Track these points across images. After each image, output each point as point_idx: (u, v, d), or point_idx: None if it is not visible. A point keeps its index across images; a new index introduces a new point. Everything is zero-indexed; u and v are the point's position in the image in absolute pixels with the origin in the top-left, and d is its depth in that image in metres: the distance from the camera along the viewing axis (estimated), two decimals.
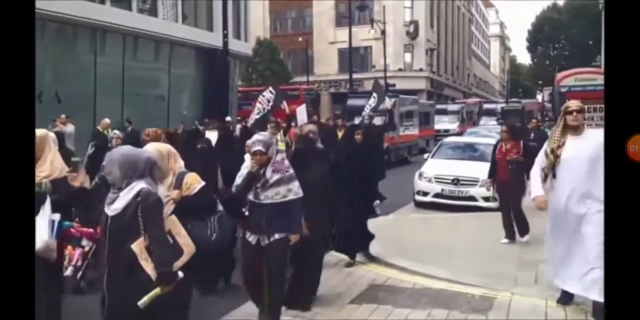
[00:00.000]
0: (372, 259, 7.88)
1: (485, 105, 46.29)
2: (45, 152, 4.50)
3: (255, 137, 5.18)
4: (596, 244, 5.21)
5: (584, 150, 5.41)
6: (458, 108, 40.26)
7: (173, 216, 4.10)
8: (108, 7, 22.25)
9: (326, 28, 49.77)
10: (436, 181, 12.92)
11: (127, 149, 3.95)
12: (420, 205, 13.10)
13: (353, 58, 38.31)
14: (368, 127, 11.12)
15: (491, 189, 9.68)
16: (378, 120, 13.37)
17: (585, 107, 5.99)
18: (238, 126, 15.67)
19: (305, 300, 6.00)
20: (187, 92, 28.20)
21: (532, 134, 13.72)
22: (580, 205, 5.42)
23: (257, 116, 10.52)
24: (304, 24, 52.39)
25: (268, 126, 11.28)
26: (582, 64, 44.31)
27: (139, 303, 3.57)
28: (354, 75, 36.58)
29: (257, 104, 10.60)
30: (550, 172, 5.61)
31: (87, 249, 6.31)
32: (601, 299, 5.27)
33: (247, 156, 5.41)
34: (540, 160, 5.76)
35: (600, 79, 11.61)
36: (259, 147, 4.98)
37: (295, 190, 5.10)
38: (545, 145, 5.74)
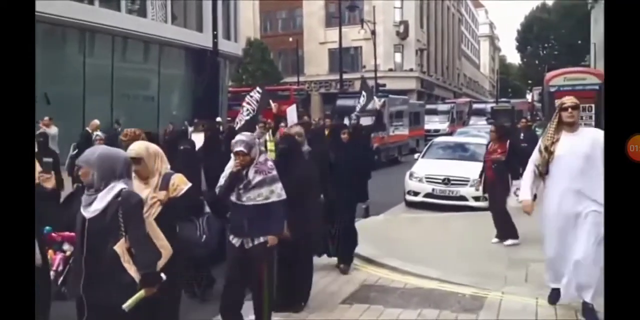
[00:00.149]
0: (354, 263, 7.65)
1: (475, 105, 46.39)
2: None
3: (238, 137, 5.08)
4: (590, 244, 5.21)
5: (578, 147, 5.34)
6: (448, 108, 40.33)
7: (150, 218, 3.98)
8: (97, 8, 22.20)
9: (316, 28, 49.79)
10: (427, 181, 12.95)
11: (104, 149, 3.82)
12: (411, 205, 13.13)
13: (343, 58, 38.31)
14: (355, 127, 11.09)
15: (480, 188, 9.70)
16: (367, 120, 13.35)
17: None
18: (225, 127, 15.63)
19: (296, 304, 5.95)
20: (176, 93, 28.16)
21: (522, 134, 13.74)
22: (574, 204, 5.35)
23: (247, 117, 10.46)
24: (294, 24, 52.42)
25: (257, 126, 11.24)
26: (572, 63, 44.50)
27: (123, 306, 3.46)
28: (345, 76, 36.62)
29: (245, 105, 10.54)
30: (545, 169, 5.53)
31: (68, 253, 6.18)
32: (593, 301, 5.31)
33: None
34: (534, 159, 5.67)
35: (589, 79, 11.67)
36: (240, 148, 4.91)
37: (278, 191, 5.01)
38: (540, 142, 5.67)
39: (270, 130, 10.83)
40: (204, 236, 4.44)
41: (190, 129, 15.92)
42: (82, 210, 3.64)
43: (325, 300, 6.30)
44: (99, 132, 11.99)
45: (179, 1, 27.68)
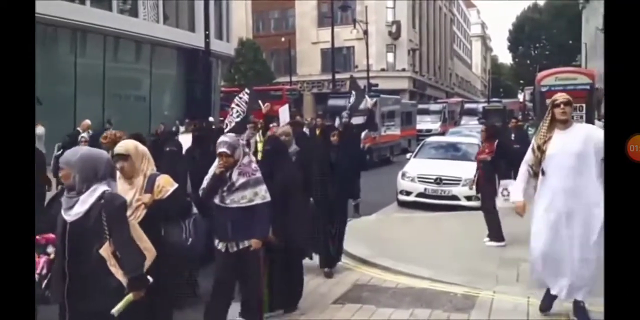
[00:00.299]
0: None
1: (467, 105, 46.44)
2: None
3: (221, 138, 4.98)
4: (584, 243, 5.15)
5: (570, 144, 5.21)
6: (440, 108, 40.37)
7: (134, 221, 3.90)
8: (88, 8, 22.12)
9: (309, 28, 49.77)
10: (419, 181, 12.97)
11: (86, 150, 3.72)
12: (404, 204, 13.15)
13: (336, 58, 38.32)
14: (347, 126, 11.09)
15: (474, 187, 9.71)
16: (359, 120, 13.34)
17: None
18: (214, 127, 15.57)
19: (288, 306, 5.91)
20: (168, 93, 28.10)
21: (513, 135, 13.77)
22: (566, 202, 5.23)
23: (238, 119, 10.44)
24: (286, 24, 52.38)
25: (247, 127, 11.20)
26: (563, 63, 44.75)
27: (112, 311, 3.38)
28: (337, 76, 36.61)
29: (235, 107, 10.51)
30: (539, 168, 5.40)
31: (52, 256, 6.10)
32: (585, 300, 5.30)
33: None
34: (527, 159, 5.56)
35: (580, 78, 11.69)
36: (223, 149, 4.80)
37: (262, 194, 4.90)
38: (532, 142, 5.57)
39: (261, 131, 10.82)
40: (190, 239, 4.31)
41: (182, 128, 15.89)
42: (62, 213, 3.53)
43: (317, 300, 6.30)
44: (84, 134, 11.95)
45: (171, 1, 27.62)
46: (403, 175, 13.30)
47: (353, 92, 13.73)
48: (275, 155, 5.81)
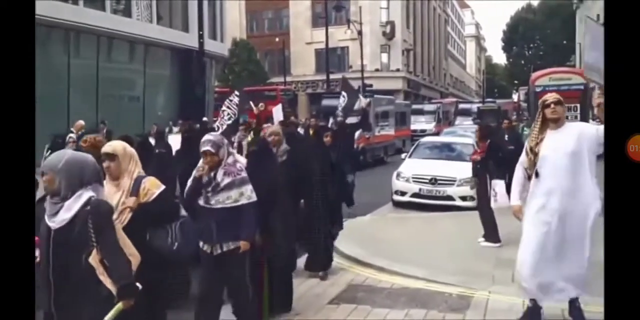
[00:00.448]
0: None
1: (461, 105, 46.54)
2: None
3: (206, 137, 4.89)
4: (580, 243, 5.12)
5: (563, 144, 5.11)
6: (434, 108, 40.44)
7: (119, 225, 3.75)
8: (81, 8, 22.03)
9: (303, 28, 49.77)
10: (414, 181, 12.96)
11: (71, 154, 3.53)
12: (398, 205, 13.14)
13: (330, 58, 38.34)
14: (341, 125, 11.07)
15: (475, 188, 9.68)
16: (353, 120, 13.35)
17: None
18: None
19: (280, 309, 5.86)
20: (162, 93, 28.04)
21: (507, 135, 13.75)
22: (560, 203, 5.13)
23: (229, 121, 10.44)
24: (280, 25, 52.34)
25: (239, 129, 11.19)
26: (557, 63, 44.88)
27: None
28: (331, 76, 36.61)
29: (226, 109, 10.52)
30: (533, 170, 5.29)
31: (38, 260, 6.04)
32: (580, 299, 5.29)
33: None
34: (522, 161, 5.45)
35: (574, 79, 11.74)
36: (207, 147, 4.71)
37: (247, 194, 4.80)
38: (526, 144, 5.49)
39: (252, 131, 10.82)
40: (176, 244, 4.20)
41: (175, 129, 15.84)
42: (46, 219, 3.39)
43: (312, 301, 6.28)
44: (71, 135, 11.88)
45: (165, 1, 27.56)
46: (398, 175, 13.29)
47: (344, 93, 13.72)
48: (261, 156, 5.69)
